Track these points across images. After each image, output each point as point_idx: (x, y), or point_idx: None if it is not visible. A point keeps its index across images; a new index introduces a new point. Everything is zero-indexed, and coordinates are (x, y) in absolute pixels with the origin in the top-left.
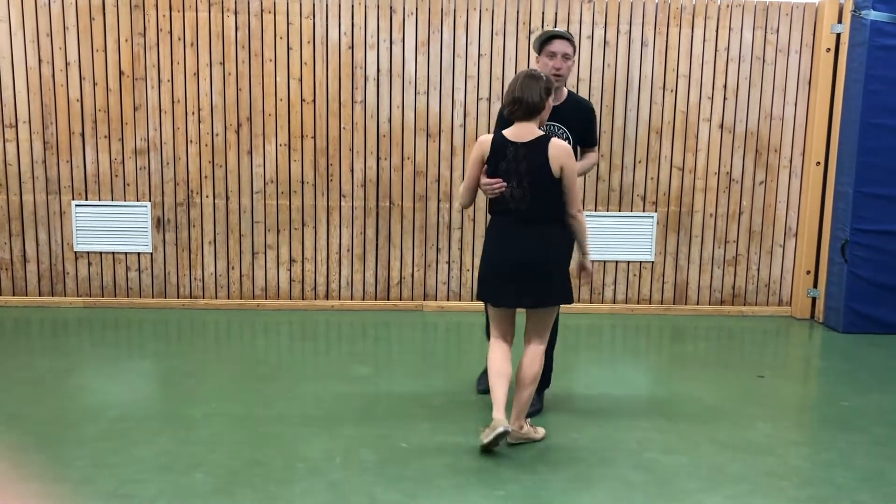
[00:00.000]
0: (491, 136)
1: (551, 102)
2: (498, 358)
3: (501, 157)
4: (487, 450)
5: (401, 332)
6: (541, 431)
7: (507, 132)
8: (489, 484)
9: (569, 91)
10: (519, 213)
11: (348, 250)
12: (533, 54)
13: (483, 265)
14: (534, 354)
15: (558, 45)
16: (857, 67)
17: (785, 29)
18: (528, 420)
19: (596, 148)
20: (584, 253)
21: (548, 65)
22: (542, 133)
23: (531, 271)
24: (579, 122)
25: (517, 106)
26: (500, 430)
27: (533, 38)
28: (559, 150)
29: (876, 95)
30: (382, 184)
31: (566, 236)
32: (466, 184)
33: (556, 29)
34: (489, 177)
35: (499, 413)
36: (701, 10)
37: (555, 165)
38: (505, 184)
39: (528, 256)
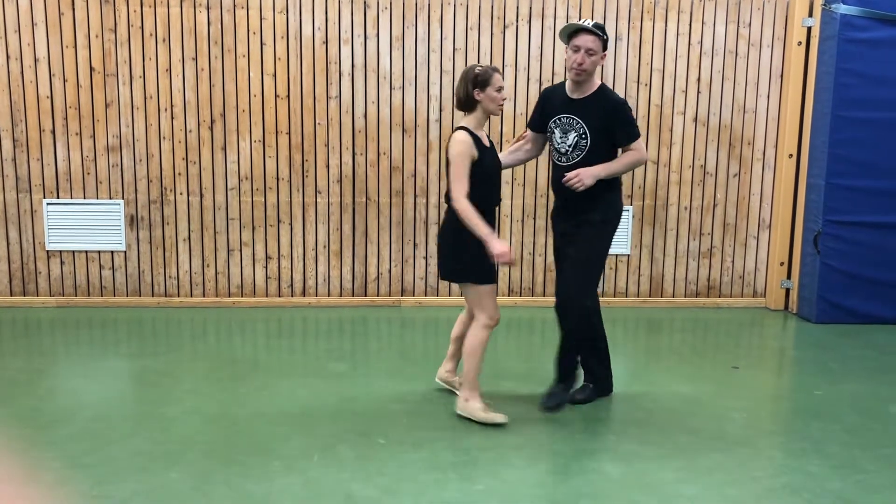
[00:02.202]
0: None
1: (493, 94)
2: (457, 323)
3: None
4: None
5: (378, 328)
6: (496, 417)
7: None
8: (468, 478)
9: (601, 85)
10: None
11: (325, 247)
12: (509, 48)
13: None
14: (472, 330)
15: (582, 40)
16: (827, 61)
17: (757, 23)
18: (489, 403)
19: (634, 146)
20: (485, 239)
21: (571, 58)
22: (462, 125)
23: (439, 249)
24: (603, 119)
25: (455, 101)
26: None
27: (560, 28)
28: (452, 138)
29: (846, 88)
30: (358, 179)
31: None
32: None
33: (584, 22)
34: None
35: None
36: (674, 4)
37: (447, 154)
38: None
39: (440, 235)
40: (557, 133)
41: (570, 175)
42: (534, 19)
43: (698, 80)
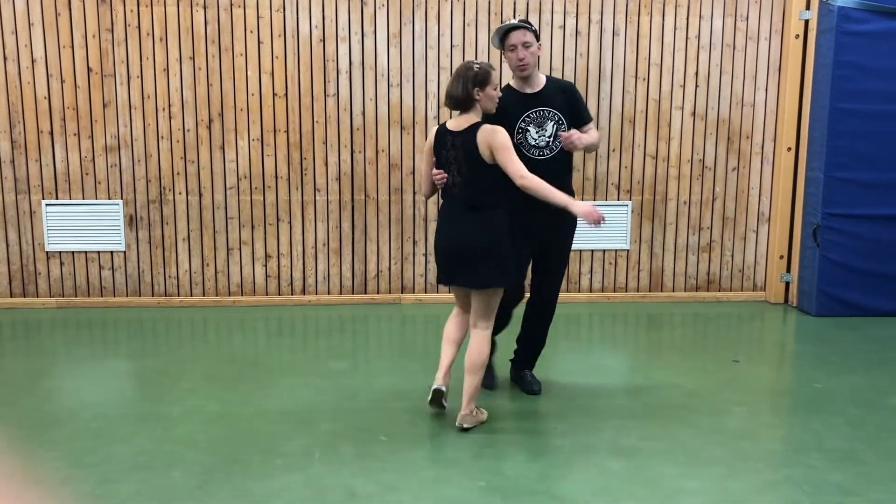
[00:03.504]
0: (436, 128)
1: (491, 92)
2: (451, 326)
3: (443, 147)
4: (438, 407)
5: (379, 326)
6: (484, 413)
7: (448, 122)
8: (469, 475)
9: (547, 77)
10: (461, 199)
11: (324, 245)
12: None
13: (434, 247)
14: (479, 342)
15: (515, 37)
16: (825, 53)
17: (754, 16)
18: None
19: (593, 124)
20: (565, 204)
21: (511, 58)
22: (477, 121)
23: (467, 254)
24: (565, 103)
25: (448, 99)
26: (434, 387)
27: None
28: (484, 132)
29: (844, 81)
30: (357, 177)
31: (507, 221)
32: (423, 173)
33: (509, 22)
34: (436, 167)
35: (439, 373)
36: None
37: (483, 149)
38: (446, 175)
39: (465, 239)
40: (532, 129)
41: (568, 133)
42: (531, 15)
43: (696, 74)
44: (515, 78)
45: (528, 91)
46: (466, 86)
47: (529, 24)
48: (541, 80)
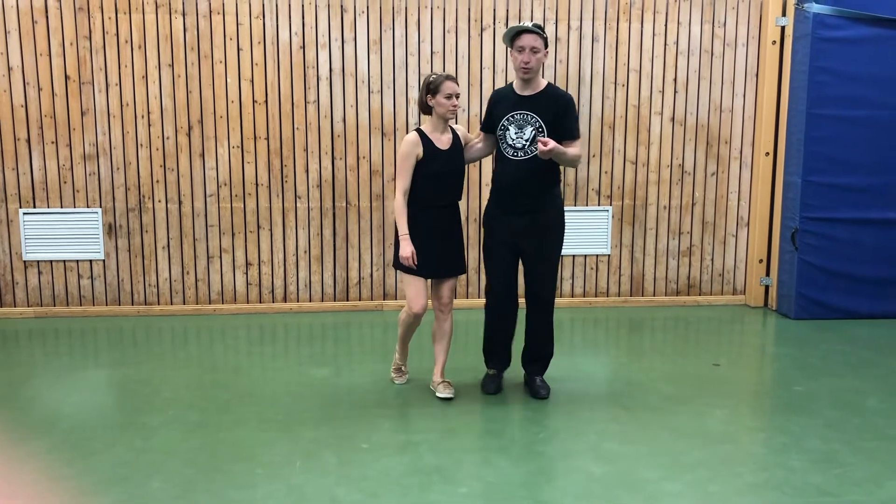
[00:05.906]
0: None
1: (441, 100)
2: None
3: None
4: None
5: (360, 333)
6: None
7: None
8: (451, 481)
9: (548, 83)
10: None
11: (305, 252)
12: (486, 50)
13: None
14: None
15: (525, 40)
16: (801, 59)
17: (732, 22)
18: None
19: (577, 142)
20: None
21: (517, 59)
22: (417, 127)
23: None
24: (553, 113)
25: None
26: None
27: (502, 33)
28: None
29: (820, 86)
30: (338, 184)
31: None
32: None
33: (524, 24)
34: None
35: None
36: (650, 4)
37: None
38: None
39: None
40: (512, 129)
41: (544, 140)
42: (511, 22)
43: (675, 80)
44: (517, 78)
45: (521, 93)
46: (422, 92)
47: (542, 30)
48: (539, 86)
